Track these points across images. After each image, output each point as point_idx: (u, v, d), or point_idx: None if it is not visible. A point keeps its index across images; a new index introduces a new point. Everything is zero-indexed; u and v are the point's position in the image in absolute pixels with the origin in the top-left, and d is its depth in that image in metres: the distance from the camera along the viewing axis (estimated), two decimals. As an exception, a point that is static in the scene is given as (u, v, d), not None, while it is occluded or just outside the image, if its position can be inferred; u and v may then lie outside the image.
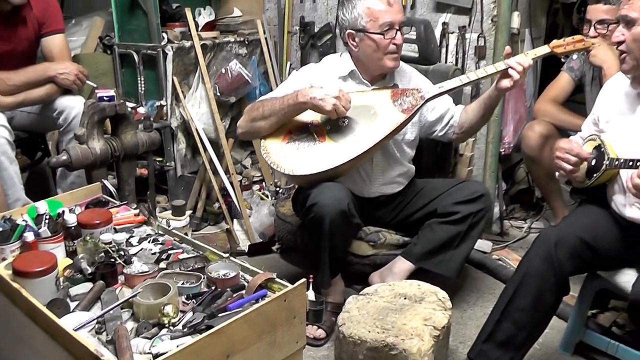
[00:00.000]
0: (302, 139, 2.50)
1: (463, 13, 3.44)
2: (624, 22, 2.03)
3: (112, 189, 2.59)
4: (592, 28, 2.96)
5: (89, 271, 1.93)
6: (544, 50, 2.48)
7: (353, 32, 2.57)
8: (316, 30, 4.03)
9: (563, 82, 3.24)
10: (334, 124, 2.50)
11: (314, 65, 2.81)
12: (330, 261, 2.51)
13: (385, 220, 2.82)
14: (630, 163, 1.94)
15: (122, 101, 2.92)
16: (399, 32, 2.52)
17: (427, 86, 2.62)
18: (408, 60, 2.88)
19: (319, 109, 2.40)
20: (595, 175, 2.13)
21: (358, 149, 2.41)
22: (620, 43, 2.04)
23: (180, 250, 2.14)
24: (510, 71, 2.40)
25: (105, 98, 2.85)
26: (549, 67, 3.70)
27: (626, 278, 2.14)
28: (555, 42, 2.47)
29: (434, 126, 2.75)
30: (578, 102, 3.29)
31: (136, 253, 2.10)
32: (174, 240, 2.23)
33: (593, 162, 2.15)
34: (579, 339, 2.44)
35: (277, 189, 3.78)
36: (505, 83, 2.44)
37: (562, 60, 3.16)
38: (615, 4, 2.14)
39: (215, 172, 3.63)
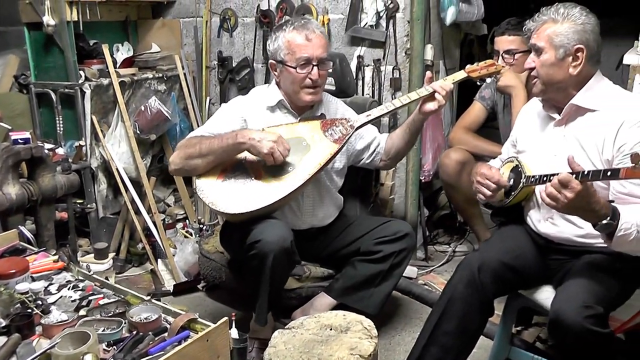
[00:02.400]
0: (237, 176, 2.48)
1: (377, 46, 3.55)
2: (533, 50, 2.19)
3: (29, 235, 2.54)
4: (500, 58, 3.13)
5: (3, 324, 1.86)
6: (461, 75, 2.59)
7: (274, 62, 2.62)
8: (234, 64, 4.06)
9: (476, 111, 3.38)
10: None
11: (242, 97, 2.80)
12: (269, 298, 2.50)
13: (313, 254, 2.82)
14: (545, 178, 2.05)
15: (38, 143, 2.87)
16: (315, 68, 2.54)
17: (354, 115, 2.68)
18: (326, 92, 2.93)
19: (255, 150, 2.40)
20: (513, 193, 2.24)
21: (294, 182, 2.42)
22: (532, 69, 2.20)
23: (101, 296, 2.09)
24: (436, 95, 2.50)
25: (20, 141, 2.80)
26: (465, 97, 3.86)
27: (545, 295, 2.23)
28: (470, 67, 2.60)
29: (361, 154, 2.81)
30: (496, 127, 3.43)
31: (55, 301, 2.04)
32: (95, 285, 2.17)
33: (511, 182, 2.27)
34: (506, 357, 2.49)
35: (201, 226, 3.76)
36: (430, 106, 2.52)
37: (478, 83, 3.32)
38: (525, 34, 2.30)
39: (138, 211, 3.58)
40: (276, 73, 2.65)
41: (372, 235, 2.69)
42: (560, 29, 2.11)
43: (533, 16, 2.21)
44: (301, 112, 2.70)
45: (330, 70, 3.06)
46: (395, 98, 3.37)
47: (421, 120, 2.65)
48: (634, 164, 1.69)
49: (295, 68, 2.54)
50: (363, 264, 2.66)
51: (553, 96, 2.21)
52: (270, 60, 2.65)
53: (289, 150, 2.42)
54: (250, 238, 2.40)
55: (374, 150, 2.81)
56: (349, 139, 2.55)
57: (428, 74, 2.63)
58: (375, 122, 2.71)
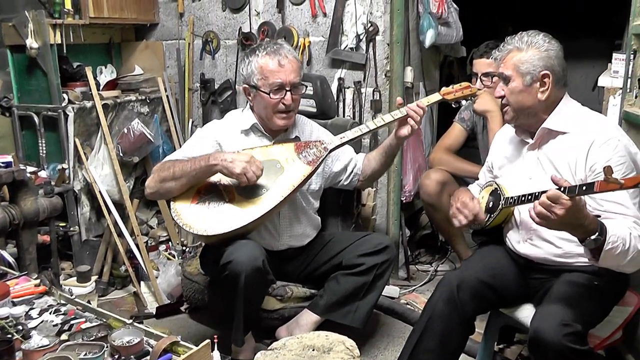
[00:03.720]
0: (211, 198, 2.50)
1: (358, 69, 3.59)
2: (501, 79, 2.24)
3: (10, 259, 2.52)
4: (479, 80, 3.17)
5: (-18, 351, 1.84)
6: (435, 97, 2.63)
7: (248, 87, 2.64)
8: (216, 86, 4.08)
9: (455, 132, 3.42)
10: None
11: (217, 121, 2.83)
12: (245, 318, 2.50)
13: (293, 274, 2.83)
14: (523, 198, 2.10)
15: (20, 167, 2.86)
16: (289, 93, 2.56)
17: (329, 137, 2.70)
18: (307, 115, 2.96)
19: (228, 170, 2.41)
20: (492, 215, 2.28)
21: (268, 204, 2.44)
22: (502, 97, 2.24)
23: (83, 320, 2.07)
24: (409, 120, 2.54)
25: (1, 164, 2.78)
26: (445, 118, 3.90)
27: (525, 313, 2.26)
28: (444, 89, 2.64)
29: (339, 176, 2.84)
30: (476, 147, 3.47)
31: (36, 326, 2.02)
32: (77, 309, 2.16)
33: (490, 204, 2.31)
34: (488, 374, 2.51)
35: (184, 248, 3.76)
36: (404, 131, 2.56)
37: (453, 105, 3.37)
38: (495, 59, 2.34)
39: (121, 234, 3.56)
40: (250, 97, 2.67)
41: (353, 249, 2.71)
42: (525, 56, 2.16)
43: (503, 43, 2.26)
44: (275, 135, 2.72)
45: (311, 92, 3.10)
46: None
47: (397, 144, 2.69)
48: (606, 177, 1.71)
49: (268, 93, 2.56)
50: (346, 277, 2.67)
51: (525, 122, 2.25)
52: (244, 85, 2.67)
53: (262, 170, 2.43)
54: (223, 259, 2.42)
55: (352, 172, 2.84)
56: (322, 160, 2.58)
57: (399, 99, 2.67)
58: (357, 142, 2.73)
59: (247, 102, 2.74)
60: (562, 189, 1.81)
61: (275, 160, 2.56)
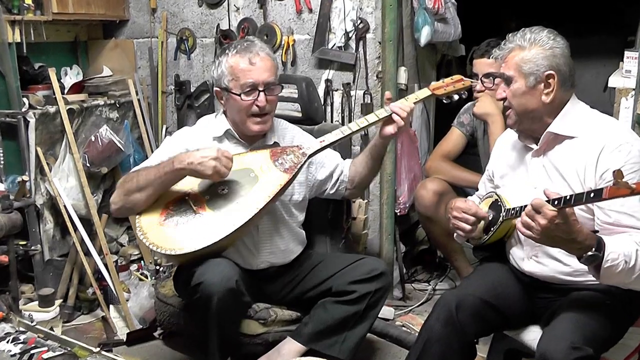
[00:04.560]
0: (180, 213, 2.47)
1: (347, 69, 3.60)
2: (503, 80, 2.24)
3: (-36, 282, 2.51)
4: (479, 82, 3.18)
5: None
6: (424, 93, 2.64)
7: (219, 90, 2.64)
8: (192, 89, 4.08)
9: (454, 138, 3.44)
10: (213, 193, 2.50)
11: (188, 128, 2.83)
12: (220, 344, 2.49)
13: (276, 295, 2.81)
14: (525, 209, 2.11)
15: (-27, 181, 2.85)
16: (262, 94, 2.56)
17: (308, 142, 2.68)
18: (291, 120, 2.95)
19: (198, 173, 2.40)
20: (492, 229, 2.28)
21: (241, 217, 2.42)
22: (504, 99, 2.25)
23: (45, 349, 2.07)
24: (394, 116, 2.53)
25: (-46, 178, 2.78)
26: (443, 123, 3.90)
27: (532, 336, 2.26)
28: (434, 84, 2.64)
29: (324, 185, 2.83)
30: (477, 154, 3.48)
31: None
32: (38, 337, 2.15)
33: (490, 217, 2.31)
34: (491, 401, 2.51)
35: (157, 267, 3.75)
36: (389, 129, 2.56)
37: (445, 101, 3.38)
38: (496, 59, 2.35)
39: (88, 253, 3.54)
40: (222, 101, 2.68)
41: (344, 274, 2.68)
42: (528, 55, 2.17)
43: (504, 41, 2.28)
44: (251, 141, 2.71)
45: (296, 95, 3.10)
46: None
47: (382, 144, 2.68)
48: (616, 181, 1.72)
49: (240, 95, 2.56)
50: (335, 305, 2.64)
51: (528, 126, 2.26)
52: (215, 88, 2.67)
53: (232, 160, 2.42)
54: (194, 280, 2.40)
55: (338, 179, 2.83)
56: (301, 167, 2.57)
57: (387, 94, 2.67)
58: (346, 149, 2.72)
59: (220, 106, 2.74)
60: (556, 198, 1.83)
61: (249, 169, 2.54)
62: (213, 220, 2.44)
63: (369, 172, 2.79)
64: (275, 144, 2.71)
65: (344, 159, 2.88)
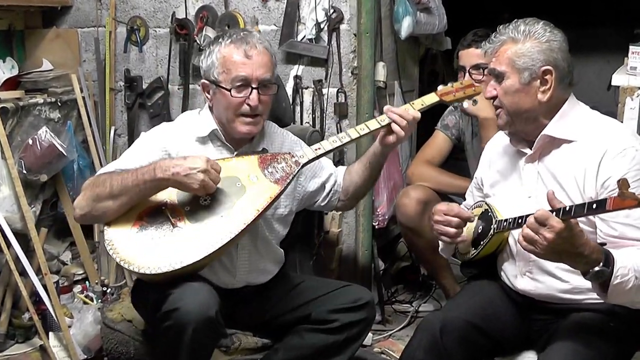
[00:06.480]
0: (156, 225, 2.42)
1: (318, 65, 3.60)
2: (493, 76, 2.25)
3: None
4: (467, 74, 3.20)
5: None
6: (431, 98, 2.61)
7: (207, 83, 2.61)
8: (145, 86, 4.05)
9: (438, 142, 3.45)
10: (194, 204, 2.45)
11: (167, 124, 2.78)
12: None
13: (246, 319, 2.78)
14: (520, 221, 2.09)
15: None
16: (255, 91, 2.53)
17: (302, 149, 2.65)
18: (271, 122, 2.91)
19: (183, 186, 2.36)
20: (482, 243, 2.29)
21: (226, 234, 2.37)
22: (494, 98, 2.25)
23: (-29, 384, 2.06)
24: (393, 126, 2.52)
25: None
26: (426, 125, 3.91)
27: (526, 363, 2.27)
28: (442, 88, 2.62)
29: (315, 197, 2.82)
30: (464, 160, 3.51)
31: None
32: (-37, 369, 2.15)
33: (480, 229, 2.31)
34: None
35: (104, 288, 3.72)
36: (391, 138, 2.56)
37: (452, 108, 3.38)
38: (485, 52, 2.36)
39: (24, 272, 3.49)
40: (209, 96, 2.64)
41: (326, 301, 2.67)
42: (523, 49, 2.19)
43: (495, 33, 2.29)
44: (238, 145, 2.68)
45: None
46: (341, 127, 3.40)
47: (383, 153, 2.68)
48: (621, 191, 1.73)
49: (230, 90, 2.53)
50: (313, 334, 2.63)
51: (522, 128, 2.27)
52: (203, 80, 2.64)
53: (219, 172, 2.38)
54: (167, 305, 2.33)
55: (331, 190, 2.82)
56: (293, 178, 2.54)
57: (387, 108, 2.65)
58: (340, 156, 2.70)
59: (205, 102, 2.70)
60: (559, 210, 1.84)
61: (235, 178, 2.49)
62: (193, 236, 2.39)
63: (365, 182, 2.78)
64: (264, 150, 2.68)
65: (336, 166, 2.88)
